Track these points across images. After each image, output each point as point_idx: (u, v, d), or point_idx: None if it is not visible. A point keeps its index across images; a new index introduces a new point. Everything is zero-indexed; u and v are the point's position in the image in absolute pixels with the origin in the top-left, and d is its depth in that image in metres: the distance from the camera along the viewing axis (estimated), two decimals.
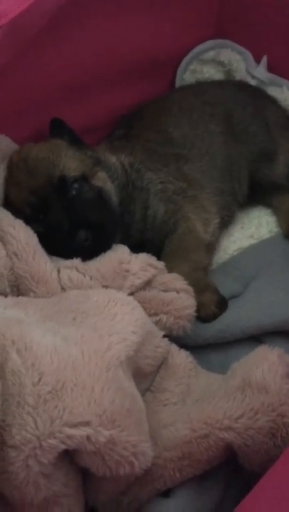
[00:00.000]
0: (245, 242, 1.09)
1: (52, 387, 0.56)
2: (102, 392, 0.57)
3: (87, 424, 0.54)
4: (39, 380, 0.56)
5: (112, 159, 0.99)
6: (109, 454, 0.56)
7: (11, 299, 0.73)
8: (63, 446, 0.54)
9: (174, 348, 0.81)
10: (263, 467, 0.63)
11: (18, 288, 0.78)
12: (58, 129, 0.97)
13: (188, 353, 0.82)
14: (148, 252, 0.88)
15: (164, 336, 0.79)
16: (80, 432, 0.54)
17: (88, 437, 0.54)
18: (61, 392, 0.56)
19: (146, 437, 0.60)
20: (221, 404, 0.65)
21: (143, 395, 0.74)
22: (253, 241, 1.10)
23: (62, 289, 0.78)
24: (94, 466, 0.57)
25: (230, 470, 0.68)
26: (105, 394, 0.57)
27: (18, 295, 0.78)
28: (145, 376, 0.75)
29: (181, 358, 0.80)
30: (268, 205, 1.16)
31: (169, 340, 0.81)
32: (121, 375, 0.62)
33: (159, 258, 0.89)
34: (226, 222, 1.09)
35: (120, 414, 0.57)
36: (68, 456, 0.58)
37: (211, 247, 1.03)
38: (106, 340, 0.63)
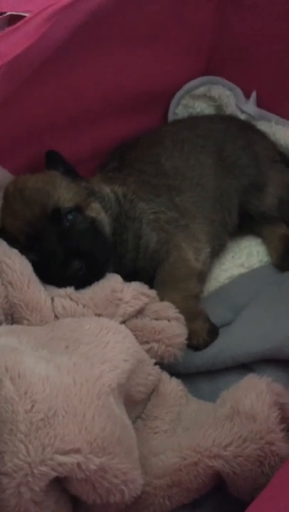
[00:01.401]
0: (236, 271, 1.11)
1: (44, 415, 0.57)
2: (93, 420, 0.58)
3: (78, 451, 0.55)
4: (32, 407, 0.57)
5: (106, 190, 1.01)
6: (100, 481, 0.57)
7: (5, 327, 0.75)
8: (54, 474, 0.55)
9: (165, 375, 0.82)
10: (251, 495, 0.64)
11: (12, 316, 0.80)
12: (53, 160, 1.00)
13: (179, 381, 0.83)
14: (140, 280, 0.90)
15: (156, 364, 0.80)
16: (71, 460, 0.55)
17: (79, 465, 0.55)
18: (53, 419, 0.57)
19: (137, 465, 0.61)
20: (210, 432, 0.66)
21: (134, 422, 0.75)
22: (243, 270, 1.12)
23: (56, 317, 0.80)
24: (84, 494, 0.58)
25: (220, 498, 0.69)
26: (96, 421, 0.58)
27: (12, 323, 0.79)
28: (136, 404, 0.76)
29: (172, 385, 0.81)
30: (258, 235, 1.18)
31: (161, 367, 0.82)
32: (112, 402, 0.63)
33: (151, 286, 0.90)
34: (217, 252, 1.11)
35: (111, 442, 0.58)
36: (59, 484, 0.59)
37: (202, 276, 1.05)
38: (98, 368, 0.64)
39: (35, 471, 0.54)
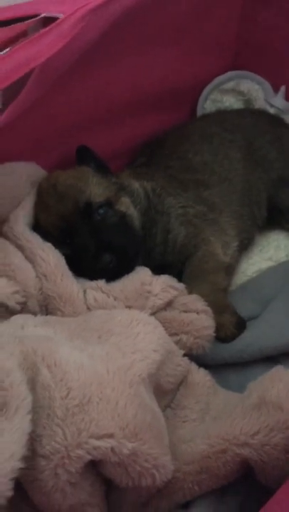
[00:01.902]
0: (264, 265, 1.12)
1: (79, 401, 0.60)
2: (126, 407, 0.61)
3: (111, 436, 0.58)
4: (67, 394, 0.60)
5: (135, 185, 1.03)
6: (132, 465, 0.59)
7: (40, 318, 0.78)
8: (89, 457, 0.58)
9: (194, 366, 0.84)
10: (279, 483, 0.65)
11: (46, 307, 0.83)
12: (84, 156, 1.02)
13: (207, 371, 0.85)
14: (169, 274, 0.91)
15: (184, 355, 0.82)
16: (105, 444, 0.57)
17: (112, 449, 0.58)
18: (87, 406, 0.59)
19: (167, 451, 0.64)
20: (238, 421, 0.67)
21: (163, 411, 0.77)
22: (271, 263, 1.12)
23: (88, 308, 0.82)
24: (118, 477, 0.60)
25: (248, 485, 0.71)
26: (128, 408, 0.61)
27: (46, 314, 0.82)
28: (165, 393, 0.78)
29: (201, 376, 0.83)
30: (286, 228, 1.18)
31: (189, 359, 0.84)
32: (143, 391, 0.65)
33: (179, 280, 0.92)
34: (245, 245, 1.11)
35: (142, 428, 0.60)
36: (94, 468, 0.62)
37: (230, 269, 1.05)
38: (129, 358, 0.67)
39: (72, 454, 0.57)
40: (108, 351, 0.67)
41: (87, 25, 0.75)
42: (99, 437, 0.58)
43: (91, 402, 0.60)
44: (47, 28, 0.74)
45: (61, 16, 0.75)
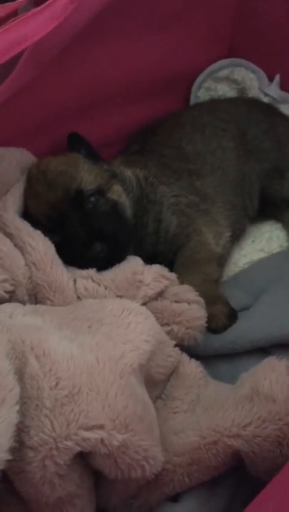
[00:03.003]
0: (256, 256, 1.11)
1: (68, 392, 0.58)
2: (116, 398, 0.59)
3: (101, 427, 0.57)
4: (56, 384, 0.59)
5: (128, 173, 1.01)
6: (122, 457, 0.58)
7: (29, 307, 0.76)
8: (78, 448, 0.57)
9: (185, 357, 0.83)
10: (270, 475, 0.65)
11: (35, 296, 0.81)
12: (75, 143, 1.00)
13: (198, 362, 0.84)
14: (160, 263, 0.90)
15: (175, 346, 0.81)
16: (95, 435, 0.56)
17: (102, 440, 0.57)
18: (77, 396, 0.58)
19: (157, 442, 0.63)
20: (230, 412, 0.67)
21: (154, 402, 0.76)
22: (263, 255, 1.12)
23: (78, 298, 0.81)
24: (107, 469, 0.59)
25: (238, 477, 0.70)
26: (119, 399, 0.60)
27: (35, 303, 0.81)
28: (156, 384, 0.77)
29: (192, 367, 0.82)
30: (278, 219, 1.17)
31: (180, 350, 0.83)
32: (134, 381, 0.64)
33: (171, 270, 0.91)
34: (237, 236, 1.10)
35: (133, 419, 0.59)
36: (82, 459, 0.61)
37: (222, 260, 1.05)
38: (120, 348, 0.66)
39: (60, 445, 0.56)
40: (98, 341, 0.66)
41: (79, 6, 0.73)
42: (88, 428, 0.56)
43: (81, 393, 0.59)
44: (38, 8, 0.72)
45: None
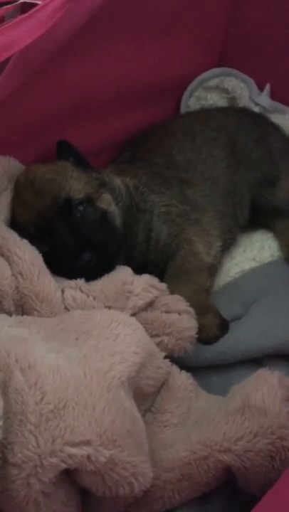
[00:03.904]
0: (247, 265, 1.10)
1: (54, 406, 0.56)
2: (103, 412, 0.58)
3: (87, 443, 0.55)
4: (41, 398, 0.57)
5: (117, 181, 1.00)
6: (109, 474, 0.56)
7: (15, 318, 0.74)
8: (64, 465, 0.55)
9: (175, 369, 0.82)
10: (262, 490, 0.63)
11: (22, 307, 0.79)
12: (64, 151, 0.99)
13: (189, 374, 0.83)
14: (150, 273, 0.89)
15: (166, 357, 0.80)
16: (81, 452, 0.54)
17: (89, 457, 0.55)
18: (63, 411, 0.56)
19: (146, 458, 0.61)
20: (221, 426, 0.65)
21: (143, 415, 0.74)
22: (254, 264, 1.11)
23: (66, 308, 0.79)
24: (94, 486, 0.57)
25: (229, 493, 0.69)
26: (106, 414, 0.58)
27: (22, 314, 0.79)
28: (146, 397, 0.75)
29: (182, 379, 0.81)
30: (270, 228, 1.17)
31: (170, 361, 0.81)
32: (122, 395, 0.62)
33: (161, 280, 0.90)
34: (228, 245, 1.10)
35: (121, 435, 0.57)
36: (68, 476, 0.59)
37: (213, 270, 1.04)
38: (108, 361, 0.64)
39: (45, 462, 0.54)
40: (86, 353, 0.64)
41: (68, 12, 0.72)
42: (74, 444, 0.55)
43: (67, 407, 0.57)
44: (25, 15, 0.71)
45: (40, 2, 0.72)
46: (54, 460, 0.54)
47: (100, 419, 0.57)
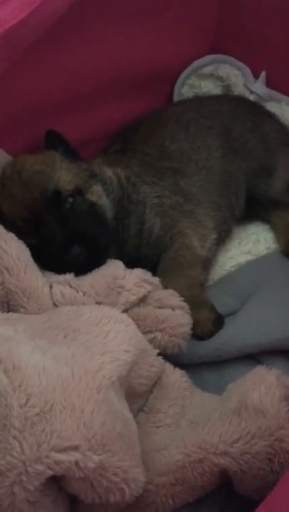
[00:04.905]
0: (243, 258, 1.08)
1: (40, 409, 0.53)
2: (93, 415, 0.55)
3: (75, 448, 0.52)
4: (26, 401, 0.54)
5: (108, 172, 0.97)
6: (99, 480, 0.53)
7: (0, 315, 0.71)
8: (50, 472, 0.52)
9: (169, 366, 0.80)
10: (260, 493, 0.61)
11: (8, 304, 0.76)
12: (53, 141, 0.96)
13: (183, 371, 0.81)
14: (143, 267, 0.86)
15: (159, 355, 0.78)
16: (69, 457, 0.51)
17: (77, 463, 0.52)
18: (49, 414, 0.53)
19: (138, 462, 0.58)
20: (216, 427, 0.62)
21: (135, 415, 0.72)
22: (250, 257, 1.09)
23: (54, 305, 0.77)
24: (82, 493, 0.55)
25: (225, 496, 0.66)
26: (95, 416, 0.55)
27: (8, 311, 0.76)
28: (138, 396, 0.73)
29: (176, 377, 0.78)
30: (266, 220, 1.14)
31: (164, 358, 0.79)
32: (112, 396, 0.59)
33: (154, 274, 0.87)
34: (223, 238, 1.07)
35: (111, 438, 0.54)
36: (56, 482, 0.56)
37: (207, 263, 1.02)
38: (98, 360, 0.61)
39: (30, 469, 0.51)
40: (74, 352, 0.61)
41: None
42: (61, 450, 0.51)
43: (53, 410, 0.54)
44: None
45: None
46: (40, 467, 0.51)
47: (88, 423, 0.54)
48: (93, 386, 0.57)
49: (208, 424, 0.63)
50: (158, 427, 0.71)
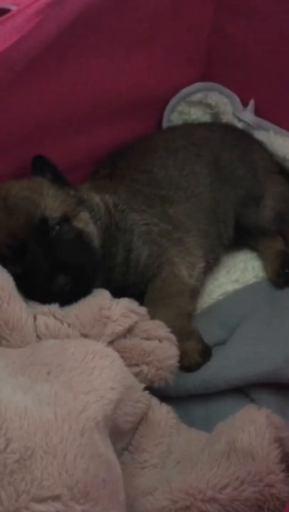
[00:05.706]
0: (231, 287, 1.08)
1: (20, 456, 0.50)
2: (76, 461, 0.52)
3: (57, 498, 0.49)
4: (6, 446, 0.51)
5: (96, 199, 0.96)
6: None
7: None
8: None
9: (155, 402, 0.77)
10: None
11: None
12: (40, 166, 0.94)
13: (169, 407, 0.78)
14: (130, 296, 0.85)
15: (145, 389, 0.75)
16: (49, 508, 0.48)
17: None
18: (29, 461, 0.50)
19: (122, 509, 0.55)
20: (204, 472, 0.60)
21: (120, 455, 0.69)
22: (238, 286, 1.08)
23: (38, 337, 0.74)
24: None
25: None
26: (79, 462, 0.52)
27: None
28: (123, 434, 0.70)
29: (162, 413, 0.76)
30: (254, 248, 1.14)
31: (150, 392, 0.77)
32: (97, 438, 0.57)
33: (141, 302, 0.86)
34: (211, 266, 1.07)
35: (94, 486, 0.51)
36: None
37: (195, 292, 1.01)
38: (82, 400, 0.58)
39: None
40: (57, 392, 0.58)
41: (44, 19, 0.68)
42: (42, 500, 0.48)
43: (34, 457, 0.51)
44: None
45: (14, 7, 0.67)
46: None
47: (71, 469, 0.51)
48: (77, 429, 0.54)
49: (196, 468, 0.61)
50: (143, 468, 0.68)
